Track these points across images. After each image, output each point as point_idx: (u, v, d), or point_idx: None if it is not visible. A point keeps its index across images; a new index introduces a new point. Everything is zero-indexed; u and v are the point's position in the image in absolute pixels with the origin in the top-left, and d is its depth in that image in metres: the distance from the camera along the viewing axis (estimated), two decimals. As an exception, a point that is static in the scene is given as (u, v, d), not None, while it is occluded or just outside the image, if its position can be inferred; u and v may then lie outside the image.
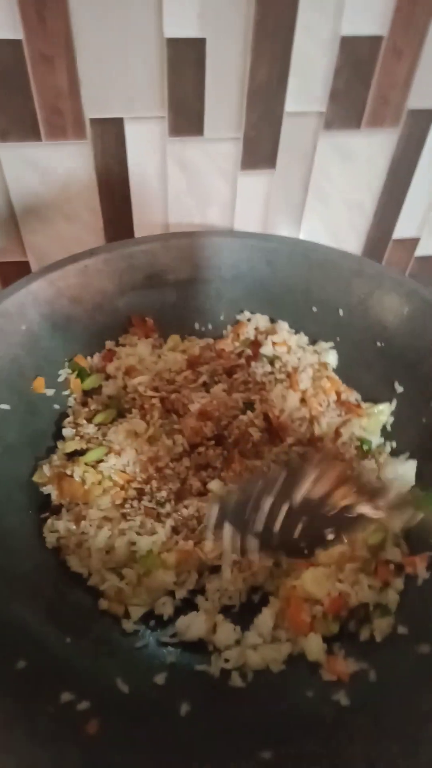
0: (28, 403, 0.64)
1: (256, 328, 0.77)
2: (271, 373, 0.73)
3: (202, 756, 0.44)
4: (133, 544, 0.57)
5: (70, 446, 0.64)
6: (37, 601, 0.53)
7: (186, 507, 0.60)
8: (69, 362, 0.70)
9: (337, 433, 0.67)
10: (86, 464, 0.62)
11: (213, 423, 0.66)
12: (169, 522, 0.59)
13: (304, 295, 0.75)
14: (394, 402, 0.69)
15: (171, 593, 0.57)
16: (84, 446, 0.64)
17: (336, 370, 0.75)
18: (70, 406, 0.69)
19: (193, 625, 0.54)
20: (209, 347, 0.76)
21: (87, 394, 0.71)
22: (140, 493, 0.62)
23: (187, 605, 0.57)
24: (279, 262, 0.74)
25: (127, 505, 0.61)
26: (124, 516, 0.60)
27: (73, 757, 0.42)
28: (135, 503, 0.61)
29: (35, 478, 0.63)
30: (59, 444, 0.66)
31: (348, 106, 0.71)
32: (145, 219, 0.80)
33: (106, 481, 0.62)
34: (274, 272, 0.75)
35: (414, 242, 0.91)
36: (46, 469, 0.63)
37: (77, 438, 0.65)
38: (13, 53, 0.62)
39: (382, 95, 0.71)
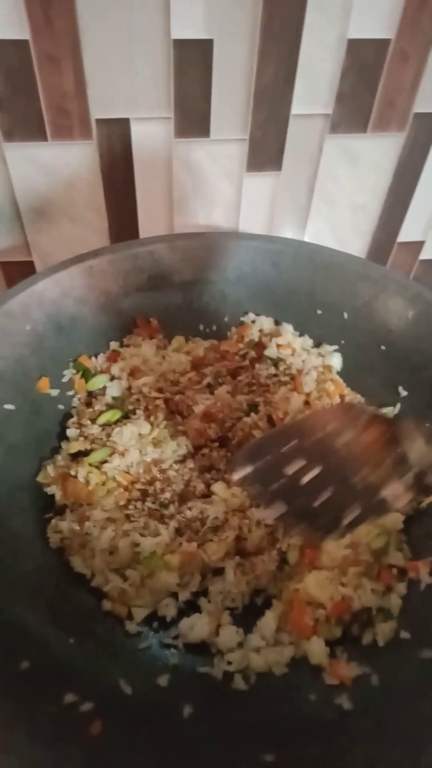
0: (33, 403, 0.64)
1: (261, 330, 0.77)
2: (275, 375, 0.73)
3: (204, 758, 0.44)
4: (137, 545, 0.57)
5: (75, 447, 0.64)
6: (40, 602, 0.53)
7: (190, 509, 0.60)
8: (73, 363, 0.70)
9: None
10: (90, 465, 0.62)
11: (217, 425, 0.66)
12: (173, 523, 0.59)
13: (309, 297, 0.74)
14: (398, 406, 0.69)
15: (174, 595, 0.57)
16: (88, 447, 0.64)
17: (340, 373, 0.75)
18: (74, 407, 0.69)
19: (196, 627, 0.54)
20: (213, 349, 0.76)
21: (91, 394, 0.71)
22: (144, 494, 0.62)
23: (190, 607, 0.57)
24: (284, 264, 0.74)
25: (130, 506, 0.61)
26: (127, 517, 0.60)
27: (75, 758, 0.42)
28: (139, 504, 0.61)
29: (39, 479, 0.63)
30: (63, 444, 0.66)
31: (354, 109, 0.71)
32: (150, 220, 0.80)
33: (110, 482, 0.62)
34: (278, 274, 0.75)
35: (419, 245, 0.91)
36: (50, 470, 0.63)
37: (81, 438, 0.65)
38: (19, 54, 0.62)
39: (388, 99, 0.71)
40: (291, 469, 0.45)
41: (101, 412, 0.67)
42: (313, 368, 0.73)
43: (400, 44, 0.66)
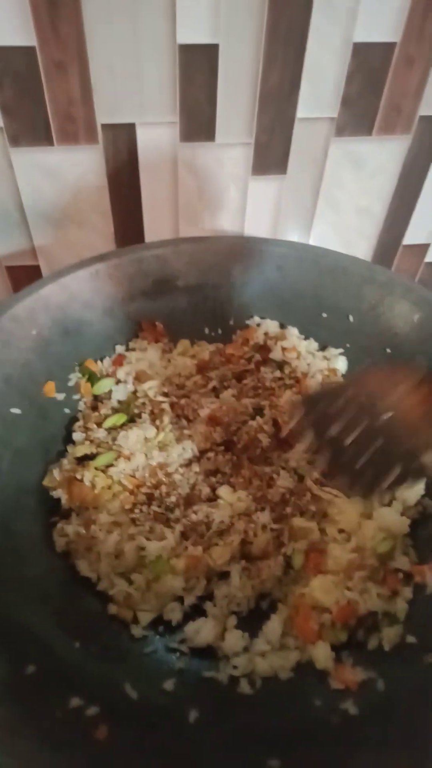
0: (39, 407, 0.65)
1: (266, 334, 0.77)
2: (281, 378, 0.73)
3: (209, 763, 0.44)
4: (142, 549, 0.57)
5: (81, 450, 0.65)
6: (46, 606, 0.53)
7: (195, 512, 0.60)
8: (79, 366, 0.70)
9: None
10: (96, 468, 0.62)
11: (222, 428, 0.66)
12: (178, 527, 0.59)
13: (314, 300, 0.75)
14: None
15: (179, 599, 0.57)
16: (94, 450, 0.65)
17: (345, 376, 0.74)
18: (80, 411, 0.70)
19: (202, 632, 0.54)
20: (219, 352, 0.76)
21: (97, 398, 0.71)
22: (150, 498, 0.62)
23: (196, 611, 0.57)
24: (289, 267, 0.74)
25: (136, 510, 0.61)
26: (133, 521, 0.60)
27: (81, 763, 0.42)
28: (144, 508, 0.61)
29: (45, 482, 0.63)
30: (69, 448, 0.66)
31: (360, 112, 0.71)
32: (156, 224, 0.80)
33: (116, 486, 0.62)
34: (284, 277, 0.75)
35: (424, 248, 0.91)
36: (56, 473, 0.63)
37: (87, 442, 0.65)
38: (26, 60, 0.62)
39: (393, 102, 0.71)
40: (340, 424, 0.47)
41: (107, 416, 0.68)
42: (318, 371, 0.73)
43: (405, 48, 0.66)
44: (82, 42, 0.62)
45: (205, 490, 0.62)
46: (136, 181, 0.75)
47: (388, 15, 0.64)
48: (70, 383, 0.69)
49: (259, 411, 0.69)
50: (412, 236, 0.88)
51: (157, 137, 0.71)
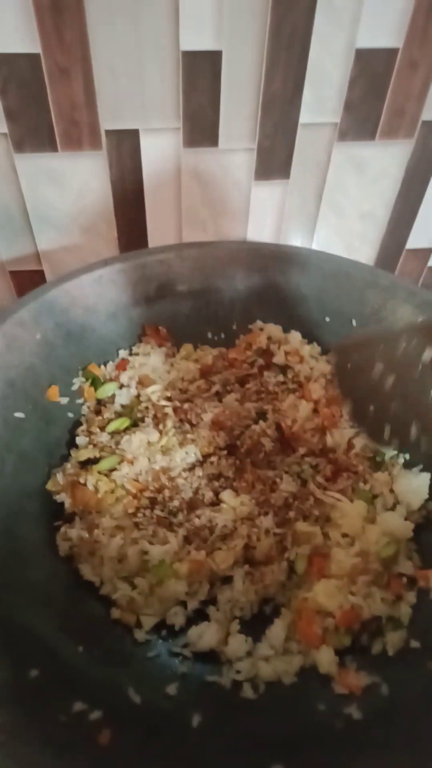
0: (43, 411, 0.65)
1: (269, 338, 0.77)
2: (284, 382, 0.73)
3: (213, 768, 0.44)
4: (145, 553, 0.57)
5: (84, 454, 0.65)
6: (49, 610, 0.53)
7: (198, 517, 0.60)
8: (83, 371, 0.71)
9: (350, 444, 0.67)
10: (99, 473, 0.62)
11: (225, 433, 0.66)
12: (181, 532, 0.59)
13: (317, 305, 0.75)
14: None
15: (182, 603, 0.57)
16: (97, 455, 0.65)
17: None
18: (83, 415, 0.70)
19: (205, 636, 0.54)
20: (222, 356, 0.76)
21: (100, 402, 0.71)
22: (153, 502, 0.62)
23: (199, 616, 0.57)
24: (292, 272, 0.74)
25: (139, 514, 0.61)
26: (136, 525, 0.60)
27: (84, 766, 0.42)
28: (147, 512, 0.61)
29: (49, 486, 0.63)
30: (73, 452, 0.66)
31: (362, 117, 0.72)
32: (160, 229, 0.80)
33: (119, 490, 0.62)
34: (287, 282, 0.75)
35: (427, 252, 0.91)
36: (59, 477, 0.63)
37: (91, 446, 0.66)
38: (30, 66, 0.62)
39: (396, 107, 0.71)
40: (370, 373, 0.48)
41: (110, 420, 0.68)
42: (321, 375, 0.73)
43: (408, 53, 0.67)
44: (86, 48, 0.62)
45: (208, 495, 0.62)
46: (139, 187, 0.75)
47: (391, 20, 0.64)
48: (74, 387, 0.69)
49: (262, 415, 0.69)
50: (415, 240, 0.88)
51: (160, 143, 0.71)
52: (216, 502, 0.62)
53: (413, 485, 0.63)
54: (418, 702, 0.47)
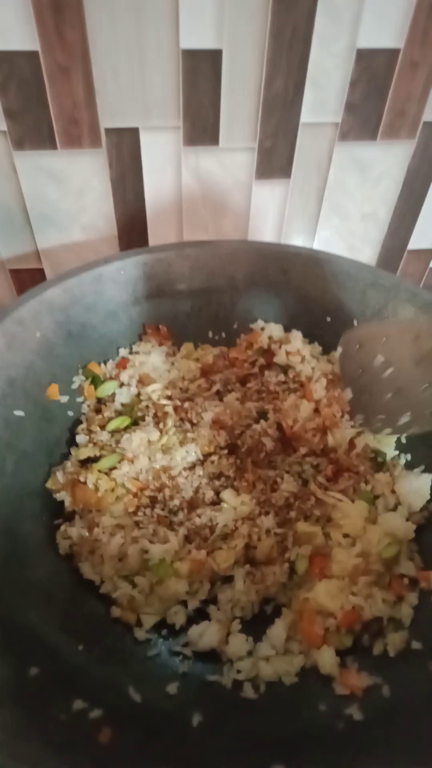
0: (43, 409, 0.65)
1: (270, 337, 0.77)
2: (285, 382, 0.73)
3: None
4: (146, 552, 0.57)
5: (84, 453, 0.64)
6: (50, 608, 0.53)
7: (199, 516, 0.60)
8: (83, 369, 0.71)
9: (351, 444, 0.66)
10: (100, 471, 0.62)
11: (226, 432, 0.66)
12: (182, 531, 0.59)
13: (319, 304, 0.75)
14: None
15: (183, 602, 0.57)
16: (97, 453, 0.64)
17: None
18: (83, 413, 0.70)
19: (206, 635, 0.54)
20: (223, 356, 0.76)
21: (101, 401, 0.71)
22: (153, 501, 0.62)
23: (199, 615, 0.57)
24: (293, 271, 0.74)
25: (139, 513, 0.61)
26: (136, 524, 0.60)
27: (85, 765, 0.42)
28: (148, 511, 0.61)
29: (49, 485, 0.63)
30: (73, 451, 0.66)
31: (364, 117, 0.72)
32: (160, 228, 0.80)
33: (119, 489, 0.62)
34: (288, 282, 0.75)
35: (429, 253, 0.91)
36: (59, 476, 0.63)
37: (91, 445, 0.65)
38: (30, 64, 0.62)
39: (398, 107, 0.71)
40: (370, 363, 0.52)
41: (110, 419, 0.68)
42: (322, 375, 0.72)
43: (409, 53, 0.67)
44: (86, 46, 0.62)
45: (209, 494, 0.62)
46: (140, 185, 0.75)
47: (392, 20, 0.64)
48: (74, 386, 0.69)
49: (263, 415, 0.68)
50: (417, 241, 0.88)
51: (160, 141, 0.71)
52: (216, 502, 0.62)
53: (415, 486, 0.63)
54: (419, 703, 0.47)
